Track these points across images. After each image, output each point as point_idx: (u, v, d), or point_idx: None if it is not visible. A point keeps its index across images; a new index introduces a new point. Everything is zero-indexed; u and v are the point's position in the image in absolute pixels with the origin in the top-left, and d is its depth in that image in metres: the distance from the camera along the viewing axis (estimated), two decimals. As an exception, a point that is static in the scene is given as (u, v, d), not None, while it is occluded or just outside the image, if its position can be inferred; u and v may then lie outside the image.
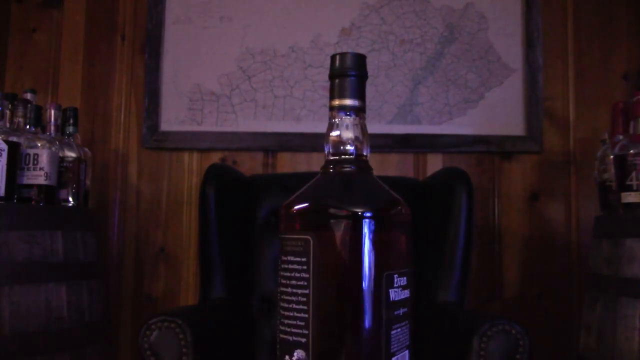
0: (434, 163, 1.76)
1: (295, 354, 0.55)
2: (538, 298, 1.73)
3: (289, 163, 1.78)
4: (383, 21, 1.80)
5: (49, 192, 1.35)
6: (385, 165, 1.75)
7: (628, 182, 1.21)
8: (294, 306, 0.55)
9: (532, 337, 1.05)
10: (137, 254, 1.77)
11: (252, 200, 1.50)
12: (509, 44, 1.79)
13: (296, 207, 0.57)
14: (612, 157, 1.29)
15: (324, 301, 0.55)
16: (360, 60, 0.61)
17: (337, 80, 0.61)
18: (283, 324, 0.56)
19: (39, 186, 1.33)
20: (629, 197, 1.21)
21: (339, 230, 0.55)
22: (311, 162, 1.77)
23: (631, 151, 1.21)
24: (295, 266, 0.56)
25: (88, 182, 1.54)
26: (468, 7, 1.80)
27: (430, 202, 1.44)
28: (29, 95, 1.43)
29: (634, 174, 1.20)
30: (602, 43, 1.80)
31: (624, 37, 1.80)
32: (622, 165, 1.23)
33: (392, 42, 1.79)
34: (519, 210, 1.76)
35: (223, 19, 1.81)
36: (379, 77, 1.77)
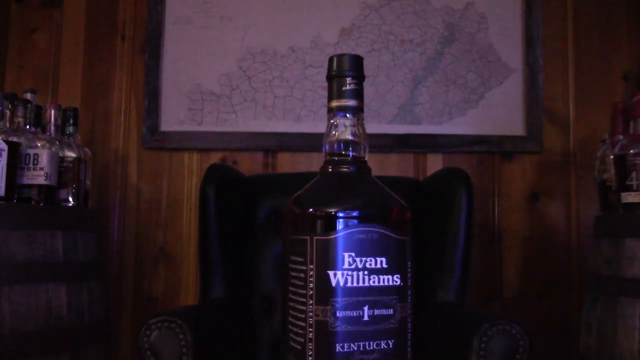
0: (434, 163, 1.76)
1: None
2: (538, 298, 1.73)
3: (289, 163, 1.78)
4: (383, 21, 1.80)
5: (49, 192, 1.35)
6: (385, 165, 1.75)
7: (628, 182, 1.21)
8: None
9: (532, 337, 1.05)
10: (137, 254, 1.77)
11: (252, 200, 1.50)
12: (509, 44, 1.79)
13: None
14: (612, 157, 1.29)
15: None
16: (357, 61, 0.61)
17: (335, 81, 0.61)
18: None
19: (39, 186, 1.33)
20: (629, 197, 1.21)
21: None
22: (311, 162, 1.77)
23: (631, 151, 1.21)
24: None
25: (88, 182, 1.53)
26: (468, 7, 1.80)
27: (430, 202, 1.44)
28: (29, 95, 1.42)
29: (634, 174, 1.20)
30: (602, 43, 1.80)
31: (624, 37, 1.80)
32: (622, 165, 1.23)
33: (392, 42, 1.79)
34: (519, 210, 1.76)
35: (223, 19, 1.81)
36: (379, 77, 1.77)
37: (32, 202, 1.32)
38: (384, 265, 0.56)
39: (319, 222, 0.56)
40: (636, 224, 1.18)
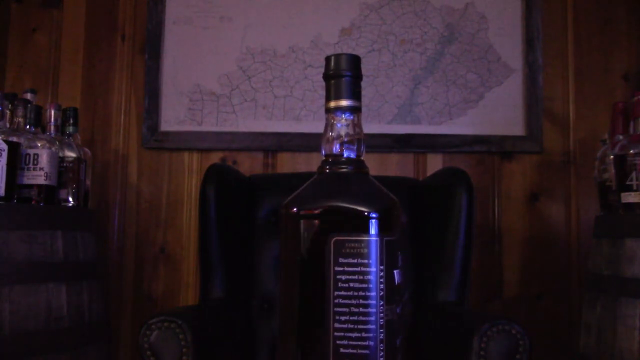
0: (434, 163, 1.76)
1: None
2: (538, 298, 1.73)
3: (289, 163, 1.78)
4: (383, 21, 1.80)
5: (49, 192, 1.35)
6: (385, 165, 1.75)
7: (628, 182, 1.21)
8: None
9: (532, 337, 1.05)
10: (137, 254, 1.77)
11: (252, 200, 1.50)
12: (509, 44, 1.79)
13: None
14: (612, 157, 1.29)
15: None
16: (354, 60, 0.61)
17: (332, 82, 0.61)
18: None
19: (39, 186, 1.33)
20: (629, 197, 1.21)
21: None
22: (311, 162, 1.77)
23: (631, 151, 1.21)
24: None
25: (88, 182, 1.54)
26: (468, 7, 1.80)
27: (430, 202, 1.44)
28: (29, 95, 1.43)
29: (634, 174, 1.20)
30: (602, 43, 1.80)
31: (624, 37, 1.80)
32: (622, 165, 1.23)
33: (392, 42, 1.79)
34: (519, 210, 1.76)
35: (223, 19, 1.81)
36: (379, 77, 1.77)
37: (32, 202, 1.32)
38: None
39: (382, 222, 0.55)
40: (636, 224, 1.18)
